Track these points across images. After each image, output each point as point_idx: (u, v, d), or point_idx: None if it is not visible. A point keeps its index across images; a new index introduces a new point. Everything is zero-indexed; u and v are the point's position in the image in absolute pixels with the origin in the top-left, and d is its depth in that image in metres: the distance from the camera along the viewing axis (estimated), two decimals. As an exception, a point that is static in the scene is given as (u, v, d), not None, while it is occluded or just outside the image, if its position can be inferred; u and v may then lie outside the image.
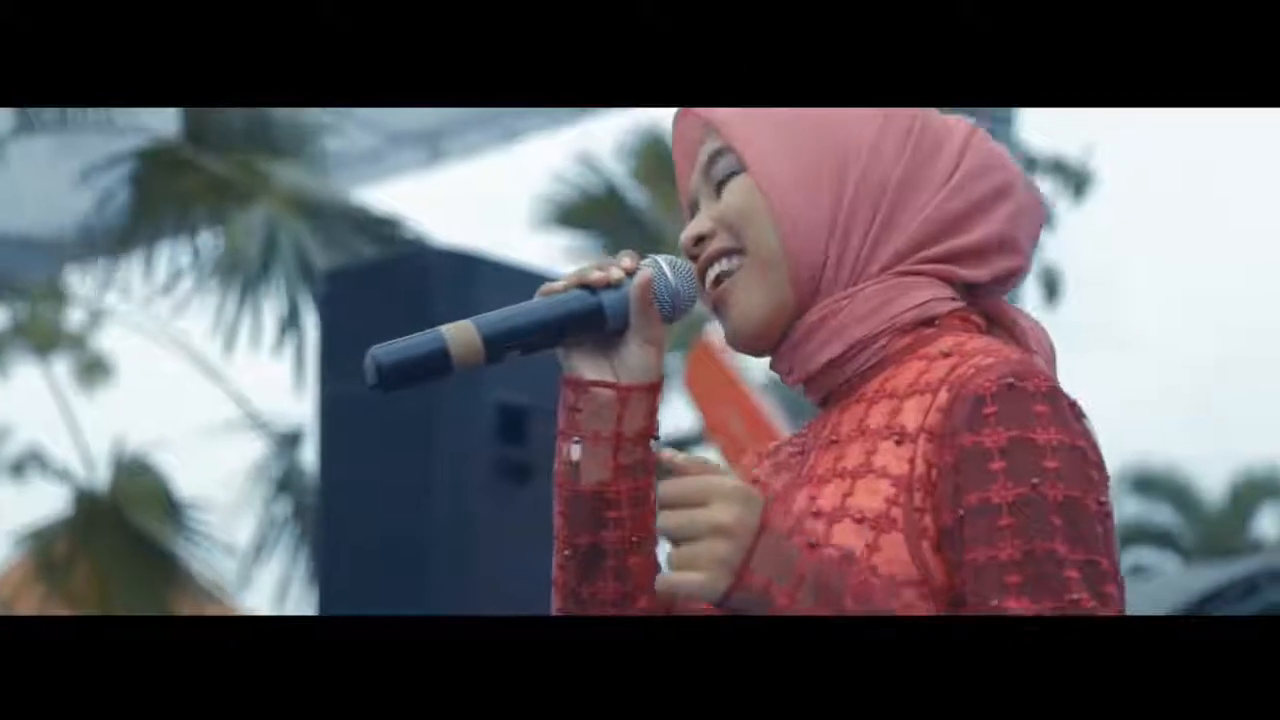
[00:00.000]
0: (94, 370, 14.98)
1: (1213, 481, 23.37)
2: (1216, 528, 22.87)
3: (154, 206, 9.30)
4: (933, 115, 1.89)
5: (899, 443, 1.77)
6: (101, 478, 10.82)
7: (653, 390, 1.85)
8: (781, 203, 1.84)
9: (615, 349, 1.85)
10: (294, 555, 9.85)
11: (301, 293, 8.86)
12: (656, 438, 1.86)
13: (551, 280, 1.86)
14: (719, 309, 1.88)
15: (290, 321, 8.90)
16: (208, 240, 9.31)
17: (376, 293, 5.24)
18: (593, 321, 1.83)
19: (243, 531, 10.14)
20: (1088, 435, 1.75)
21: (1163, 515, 23.28)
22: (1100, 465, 1.76)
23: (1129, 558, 23.15)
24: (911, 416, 1.78)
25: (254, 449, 10.28)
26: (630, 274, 1.84)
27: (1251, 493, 23.21)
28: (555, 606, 1.88)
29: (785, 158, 1.84)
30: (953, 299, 1.85)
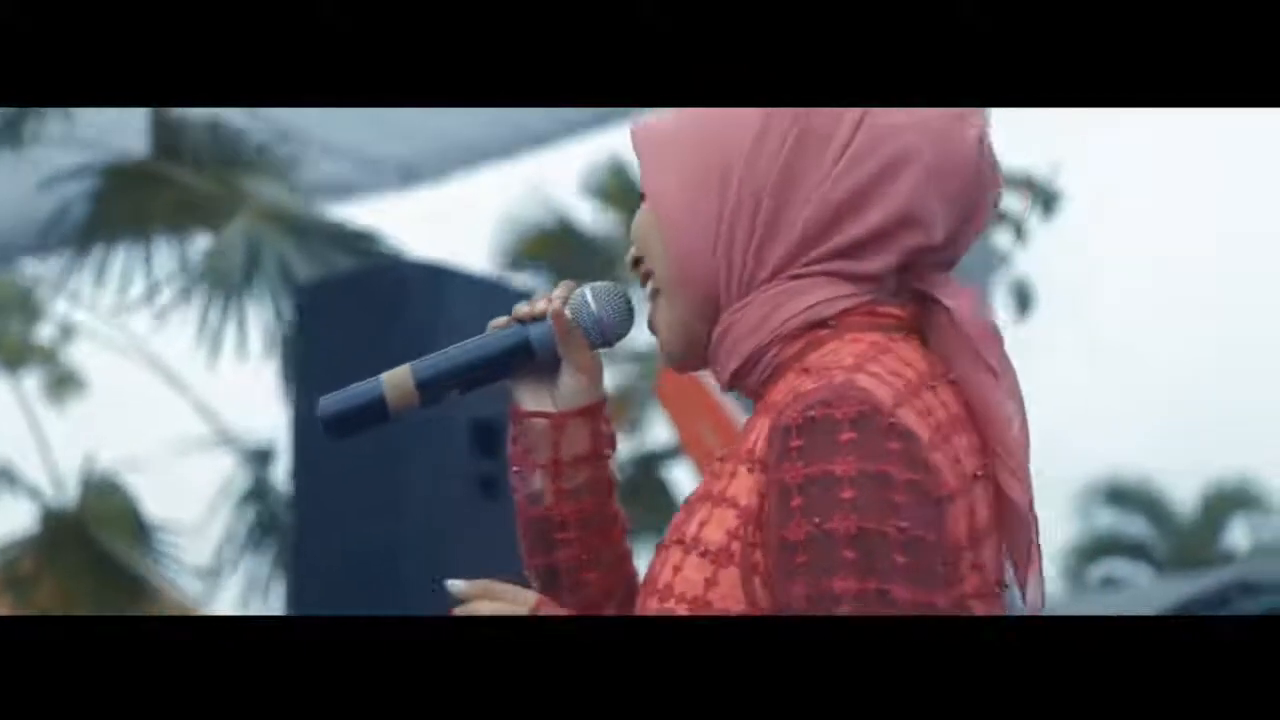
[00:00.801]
0: (64, 385, 14.95)
1: (1185, 493, 23.47)
2: (1189, 539, 22.95)
3: (112, 220, 9.28)
4: (823, 110, 1.80)
5: (750, 470, 1.75)
6: (70, 496, 10.79)
7: (588, 414, 1.89)
8: (668, 223, 1.83)
9: (551, 379, 1.90)
10: (262, 571, 9.83)
11: (285, 305, 8.86)
12: (606, 456, 1.90)
13: (515, 296, 1.92)
14: (652, 332, 1.90)
15: (277, 333, 8.90)
16: (182, 253, 9.29)
17: (350, 305, 5.22)
18: (522, 355, 1.90)
19: (211, 550, 10.12)
20: (901, 457, 1.67)
21: (1136, 527, 23.34)
22: (910, 486, 1.67)
23: (1102, 569, 23.21)
24: (756, 437, 1.76)
25: (224, 465, 10.27)
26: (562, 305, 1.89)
27: (1223, 504, 23.30)
28: None
29: (672, 175, 1.83)
30: (850, 296, 1.79)
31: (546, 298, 1.89)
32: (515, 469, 1.92)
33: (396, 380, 1.89)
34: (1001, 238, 12.56)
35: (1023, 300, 12.81)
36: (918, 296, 1.82)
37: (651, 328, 1.90)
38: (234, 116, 9.21)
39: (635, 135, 1.87)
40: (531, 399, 1.91)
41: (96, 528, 10.44)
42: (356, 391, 1.90)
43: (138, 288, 9.35)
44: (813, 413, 1.68)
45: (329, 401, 1.91)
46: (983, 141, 1.82)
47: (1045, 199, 13.21)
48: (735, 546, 1.72)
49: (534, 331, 1.90)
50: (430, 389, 1.89)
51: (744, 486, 1.74)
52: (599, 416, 1.90)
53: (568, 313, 1.88)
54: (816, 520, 1.66)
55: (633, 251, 1.89)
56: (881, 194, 1.77)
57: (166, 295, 9.29)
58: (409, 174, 9.68)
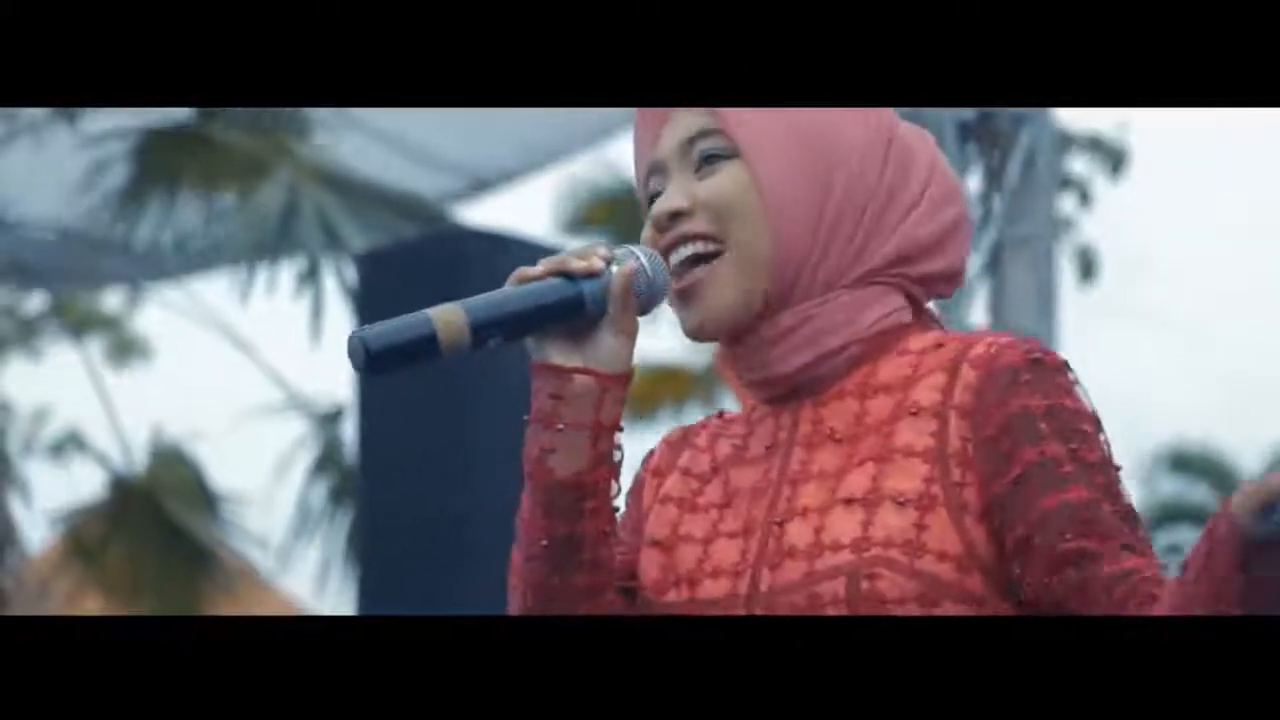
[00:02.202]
0: (130, 351, 15.03)
1: (1250, 460, 23.32)
2: (1254, 506, 22.80)
3: (152, 180, 9.28)
4: (903, 126, 1.91)
5: (915, 415, 1.80)
6: (138, 464, 10.85)
7: (626, 381, 1.84)
8: (777, 200, 1.83)
9: (587, 337, 1.84)
10: (335, 537, 9.87)
11: (323, 252, 8.85)
12: (622, 429, 1.86)
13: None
14: (686, 295, 1.87)
15: (309, 275, 8.89)
16: (221, 206, 9.30)
17: (410, 274, 5.24)
18: (573, 311, 1.83)
19: (281, 519, 10.16)
20: (1090, 407, 1.83)
21: (1200, 494, 23.23)
22: (1103, 433, 1.82)
23: (1166, 537, 23.11)
24: (925, 394, 1.81)
25: (293, 430, 10.30)
26: (609, 263, 1.84)
27: (1289, 471, 23.14)
28: (518, 601, 1.87)
29: (781, 153, 1.84)
30: (907, 309, 1.89)
31: (598, 255, 1.83)
32: (556, 426, 1.82)
33: (449, 320, 1.79)
34: (1067, 203, 12.49)
35: (1086, 267, 12.73)
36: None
37: (686, 292, 1.86)
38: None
39: (722, 114, 1.86)
40: (563, 355, 1.83)
41: (164, 497, 10.50)
42: (403, 326, 1.78)
43: (191, 234, 9.38)
44: (1035, 355, 1.79)
45: (373, 335, 1.77)
46: None
47: (1114, 158, 13.11)
48: (936, 490, 1.77)
49: (588, 287, 1.83)
50: (482, 333, 1.80)
51: (915, 433, 1.80)
52: (628, 386, 1.85)
53: (615, 269, 1.84)
54: (1071, 446, 1.77)
55: (682, 203, 1.85)
56: (948, 245, 1.90)
57: (201, 242, 9.31)
58: (475, 179, 9.67)
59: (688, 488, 1.90)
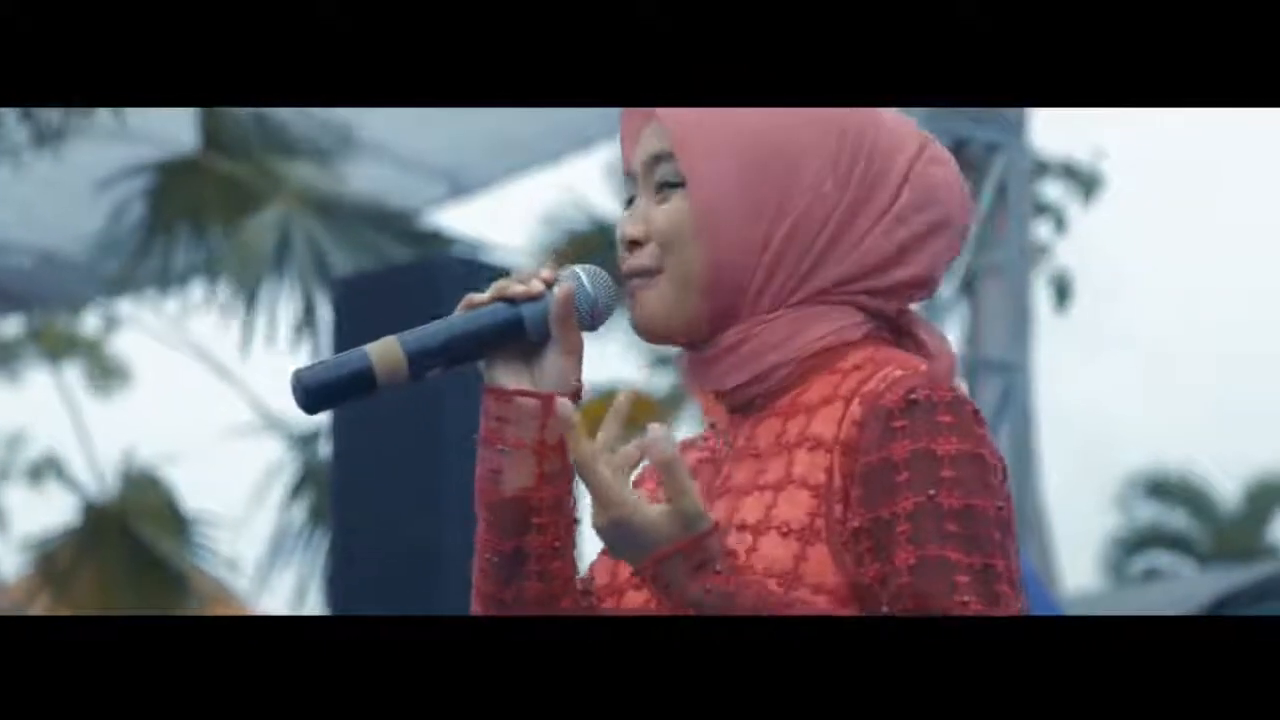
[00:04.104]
0: (109, 376, 15.01)
1: (1228, 486, 23.37)
2: (1231, 532, 22.85)
3: (169, 217, 9.33)
4: (883, 132, 1.89)
5: (812, 449, 1.82)
6: (110, 488, 10.83)
7: (572, 399, 1.87)
8: (712, 231, 1.85)
9: (535, 359, 1.87)
10: (312, 559, 9.86)
11: (317, 289, 8.87)
12: None
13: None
14: (631, 300, 1.90)
15: (306, 319, 8.92)
16: (220, 242, 9.32)
17: (385, 300, 5.26)
18: (513, 334, 1.86)
19: (255, 542, 10.15)
20: (989, 442, 1.81)
21: (1178, 519, 23.25)
22: (999, 470, 1.80)
23: (1144, 561, 23.12)
24: (824, 426, 1.83)
25: (272, 451, 10.30)
26: (550, 285, 1.86)
27: (1267, 497, 23.18)
28: (477, 610, 1.91)
29: (725, 183, 1.86)
30: (861, 324, 1.89)
31: (538, 276, 1.87)
32: (498, 447, 1.86)
33: (384, 353, 1.82)
34: (1042, 229, 12.53)
35: (1061, 292, 12.76)
36: (891, 327, 1.92)
37: (630, 296, 1.89)
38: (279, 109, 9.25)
39: (670, 120, 1.87)
40: (512, 378, 1.87)
41: (136, 522, 10.48)
42: (340, 361, 1.82)
43: (188, 274, 9.40)
44: (914, 396, 1.78)
45: (308, 373, 1.82)
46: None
47: (1088, 185, 13.15)
48: (820, 524, 1.79)
49: (527, 310, 1.86)
50: (419, 363, 1.82)
51: (809, 465, 1.81)
52: (578, 402, 1.87)
53: (557, 291, 1.86)
54: (929, 493, 1.76)
55: (639, 232, 1.88)
56: (917, 253, 1.88)
57: (198, 283, 9.33)
58: (456, 183, 9.68)
59: (654, 497, 1.89)
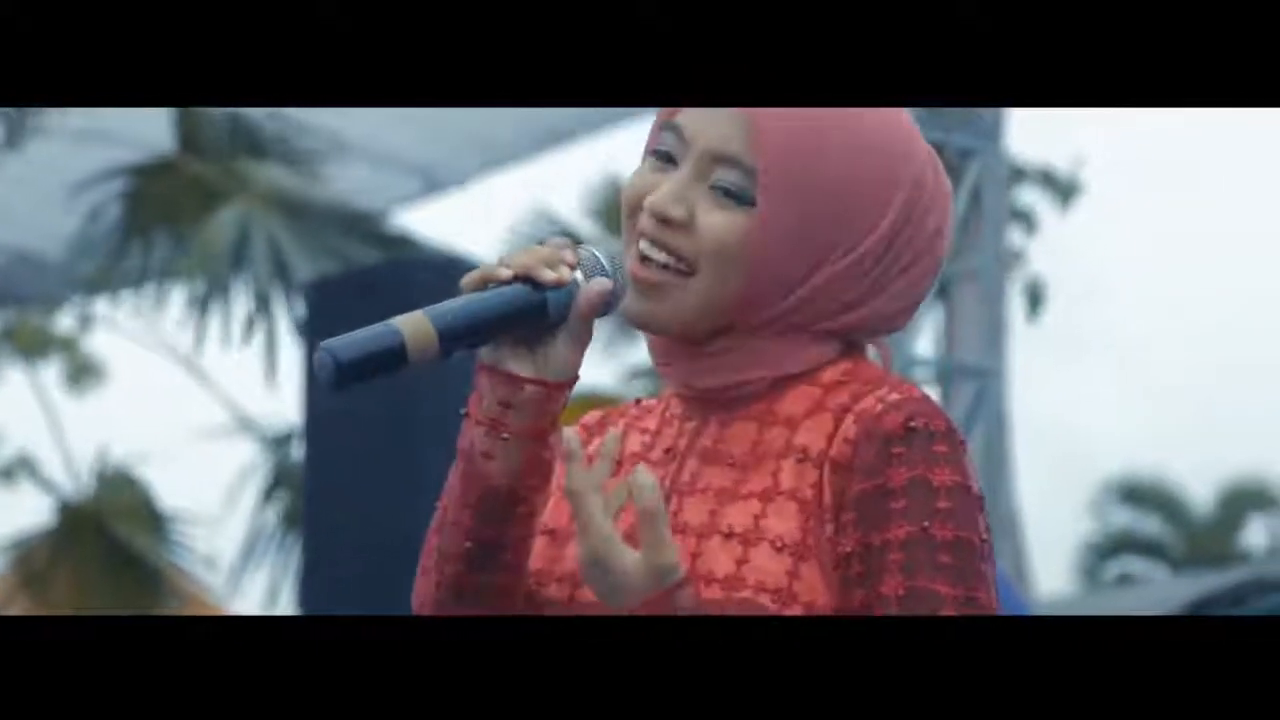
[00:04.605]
0: (84, 374, 14.98)
1: (1201, 492, 23.44)
2: (1205, 538, 22.93)
3: (145, 220, 9.33)
4: (929, 213, 1.86)
5: (800, 461, 1.80)
6: (85, 488, 10.81)
7: (571, 387, 1.84)
8: (763, 266, 1.82)
9: (541, 343, 1.82)
10: (285, 560, 9.85)
11: (274, 286, 8.86)
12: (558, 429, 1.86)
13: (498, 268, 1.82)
14: (642, 288, 1.84)
15: (259, 311, 8.89)
16: (184, 241, 9.32)
17: (359, 302, 5.27)
18: (535, 318, 1.81)
19: (230, 541, 10.13)
20: (974, 473, 1.80)
21: (1151, 525, 23.32)
22: (981, 502, 1.80)
23: (1118, 566, 23.18)
24: (812, 438, 1.81)
25: (244, 453, 10.29)
26: (572, 267, 1.81)
27: (1240, 503, 23.27)
28: (429, 590, 1.87)
29: (793, 226, 1.82)
30: (837, 350, 1.87)
31: (563, 260, 1.80)
32: (500, 434, 1.81)
33: (416, 330, 1.76)
34: (1016, 235, 12.55)
35: (1034, 299, 12.79)
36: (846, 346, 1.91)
37: (644, 285, 1.83)
38: (253, 111, 9.25)
39: (764, 131, 1.81)
40: (517, 362, 1.81)
41: (111, 521, 10.46)
42: (371, 336, 1.76)
43: (149, 272, 9.39)
44: (914, 423, 1.77)
45: (341, 347, 1.75)
46: None
47: (1064, 192, 13.18)
48: (811, 541, 1.78)
49: (553, 296, 1.80)
50: (449, 340, 1.77)
51: (798, 478, 1.80)
52: (572, 390, 1.84)
53: (580, 277, 1.81)
54: (923, 524, 1.75)
55: (681, 215, 1.82)
56: (907, 316, 1.89)
57: (159, 281, 9.32)
58: (431, 180, 9.68)
59: (629, 533, 1.84)
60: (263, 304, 8.87)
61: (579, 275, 1.81)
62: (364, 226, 9.10)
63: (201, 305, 8.96)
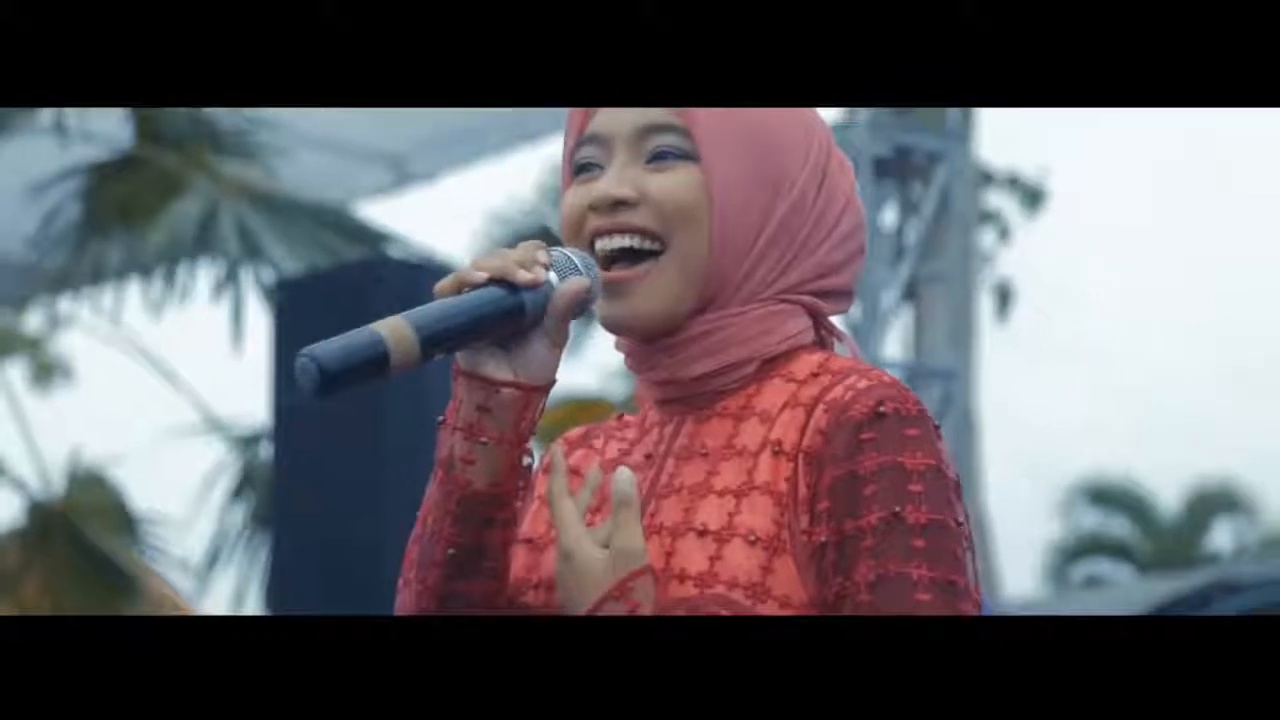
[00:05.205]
0: (51, 373, 14.95)
1: (1168, 494, 23.51)
2: (1172, 540, 23.00)
3: (103, 218, 9.31)
4: (836, 154, 1.92)
5: (775, 455, 1.81)
6: (55, 488, 10.77)
7: (548, 391, 1.84)
8: (726, 212, 1.84)
9: (518, 346, 1.82)
10: (252, 561, 9.84)
11: (242, 262, 8.84)
12: (535, 435, 1.86)
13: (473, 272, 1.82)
14: (614, 289, 1.84)
15: (228, 279, 8.87)
16: (147, 234, 9.30)
17: (330, 301, 5.27)
18: (512, 320, 1.80)
19: (200, 542, 10.11)
20: (946, 456, 1.80)
21: (1119, 527, 23.38)
22: (957, 486, 1.79)
23: (1085, 568, 23.23)
24: (786, 432, 1.81)
25: (213, 453, 10.26)
26: (547, 268, 1.81)
27: (1207, 505, 23.34)
28: (410, 599, 1.87)
29: (736, 166, 1.84)
30: (811, 329, 1.89)
31: (537, 260, 1.80)
32: (479, 439, 1.81)
33: (397, 335, 1.75)
34: (985, 238, 12.59)
35: (1004, 300, 12.84)
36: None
37: (614, 285, 1.84)
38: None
39: (689, 113, 1.84)
40: (494, 366, 1.81)
41: (82, 521, 10.42)
42: (353, 344, 1.74)
43: (115, 267, 9.38)
44: (883, 409, 1.78)
45: (325, 354, 1.73)
46: None
47: (1031, 196, 13.23)
48: (785, 535, 1.78)
49: (529, 297, 1.79)
50: (429, 345, 1.76)
51: (772, 472, 1.80)
52: (549, 393, 1.84)
53: (555, 278, 1.81)
54: (894, 509, 1.75)
55: (630, 194, 1.83)
56: (850, 268, 1.91)
57: (126, 273, 9.31)
58: (403, 172, 9.67)
59: (570, 487, 1.87)
60: (231, 271, 8.85)
61: (553, 276, 1.81)
62: (333, 218, 9.09)
63: (167, 274, 8.95)
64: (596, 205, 1.85)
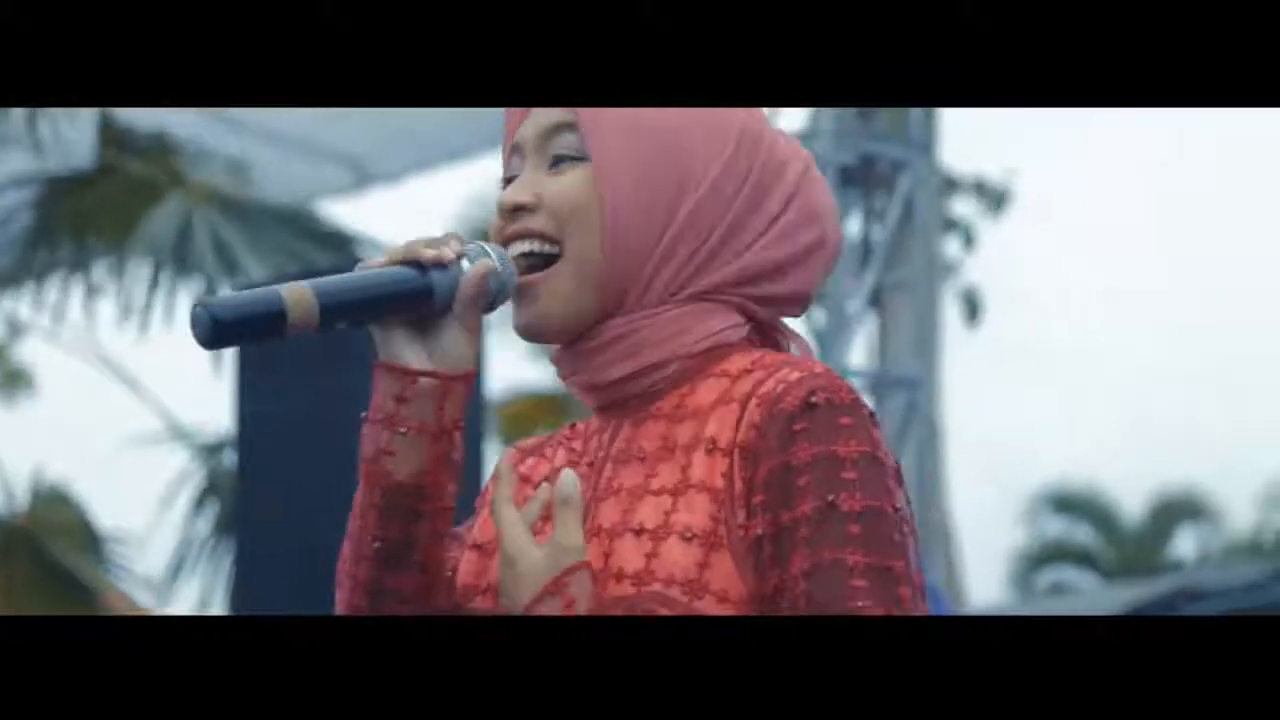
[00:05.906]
0: (14, 383, 14.88)
1: (1132, 502, 23.60)
2: (1136, 548, 23.09)
3: (56, 228, 9.30)
4: (774, 148, 1.88)
5: (709, 452, 1.80)
6: (19, 503, 10.72)
7: (469, 380, 1.83)
8: (616, 212, 1.83)
9: (431, 333, 1.81)
10: (216, 570, 9.82)
11: (220, 277, 8.83)
12: (461, 428, 1.84)
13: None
14: (519, 294, 1.85)
15: (207, 294, 8.87)
16: (119, 243, 9.29)
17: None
18: (419, 301, 1.79)
19: (163, 552, 10.09)
20: (884, 444, 1.80)
21: (1083, 534, 23.46)
22: (896, 472, 1.79)
23: (1049, 576, 23.31)
24: (721, 428, 1.81)
25: (176, 462, 10.24)
26: (460, 257, 1.81)
27: (1170, 513, 23.44)
28: (344, 597, 1.87)
29: (630, 165, 1.83)
30: (740, 326, 1.88)
31: (450, 246, 1.80)
32: (398, 429, 1.79)
33: (298, 300, 1.74)
34: (950, 245, 12.62)
35: (971, 308, 12.87)
36: (762, 334, 1.91)
37: (524, 291, 1.84)
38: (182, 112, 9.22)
39: (580, 112, 1.84)
40: (410, 352, 1.80)
41: (46, 539, 10.38)
42: (253, 298, 1.74)
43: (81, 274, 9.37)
44: (814, 399, 1.77)
45: (220, 306, 1.73)
46: None
47: (995, 200, 13.27)
48: (722, 531, 1.77)
49: (437, 278, 1.79)
50: (330, 314, 1.76)
51: (707, 469, 1.80)
52: (472, 385, 1.83)
53: (467, 265, 1.81)
54: (828, 498, 1.74)
55: (528, 198, 1.84)
56: (799, 268, 1.88)
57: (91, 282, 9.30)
58: (363, 173, 9.67)
59: (520, 495, 1.88)
60: (211, 290, 8.85)
61: (465, 264, 1.80)
62: (306, 223, 9.09)
63: (149, 291, 8.95)
64: (501, 212, 1.86)
